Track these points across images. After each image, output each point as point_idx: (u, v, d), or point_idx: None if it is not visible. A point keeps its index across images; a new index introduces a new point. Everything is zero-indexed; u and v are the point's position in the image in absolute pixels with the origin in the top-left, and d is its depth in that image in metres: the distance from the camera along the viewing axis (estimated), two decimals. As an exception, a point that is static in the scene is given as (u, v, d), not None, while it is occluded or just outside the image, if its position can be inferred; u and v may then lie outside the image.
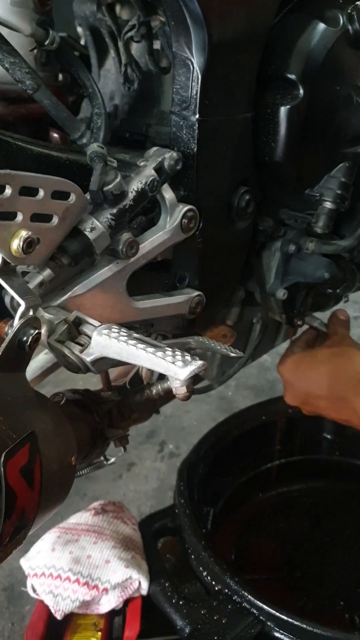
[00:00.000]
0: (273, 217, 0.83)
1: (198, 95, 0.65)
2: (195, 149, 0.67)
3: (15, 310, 0.54)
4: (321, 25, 0.70)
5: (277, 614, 0.91)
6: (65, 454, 0.57)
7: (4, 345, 0.53)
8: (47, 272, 0.59)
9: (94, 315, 0.61)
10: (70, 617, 1.00)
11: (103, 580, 0.99)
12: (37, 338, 0.54)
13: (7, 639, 1.21)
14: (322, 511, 1.32)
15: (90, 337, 0.58)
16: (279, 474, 1.39)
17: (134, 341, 0.55)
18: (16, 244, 0.53)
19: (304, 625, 0.89)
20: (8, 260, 0.54)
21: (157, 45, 0.76)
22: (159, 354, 0.54)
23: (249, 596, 0.94)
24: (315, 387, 0.91)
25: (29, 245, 0.54)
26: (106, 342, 0.56)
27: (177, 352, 0.54)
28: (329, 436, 1.42)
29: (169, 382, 0.59)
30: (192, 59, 0.64)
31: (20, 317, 0.54)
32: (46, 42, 0.66)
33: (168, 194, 0.68)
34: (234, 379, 1.15)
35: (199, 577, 1.02)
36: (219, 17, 0.62)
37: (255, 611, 0.93)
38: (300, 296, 0.93)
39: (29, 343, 0.53)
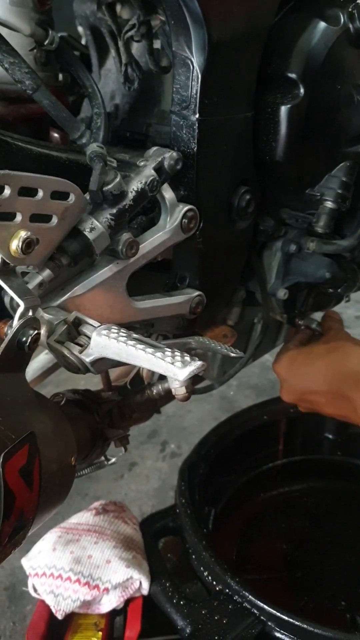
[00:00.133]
0: (274, 216, 0.83)
1: (198, 94, 0.65)
2: (195, 148, 0.67)
3: (15, 311, 0.54)
4: (322, 24, 0.70)
5: (278, 614, 0.91)
6: (65, 454, 0.57)
7: (3, 345, 0.53)
8: (47, 272, 0.59)
9: (94, 315, 0.61)
10: (71, 616, 1.00)
11: (104, 580, 0.99)
12: (36, 338, 0.54)
13: (9, 638, 1.21)
14: (324, 511, 1.32)
15: (89, 338, 0.58)
16: (280, 474, 1.39)
17: (134, 342, 0.55)
18: (15, 245, 0.53)
19: (305, 626, 0.89)
20: (7, 261, 0.54)
21: (157, 44, 0.76)
22: (159, 354, 0.54)
23: (250, 596, 0.94)
24: (311, 383, 0.90)
25: (28, 245, 0.54)
26: (105, 343, 0.56)
27: (176, 353, 0.54)
28: (330, 436, 1.41)
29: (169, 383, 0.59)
30: (192, 59, 0.64)
31: (20, 318, 0.54)
32: (46, 42, 0.66)
33: (168, 193, 0.67)
34: (235, 378, 1.15)
35: (200, 577, 1.02)
36: (218, 16, 0.62)
37: (256, 611, 0.93)
38: (301, 296, 0.93)
39: (28, 343, 0.53)
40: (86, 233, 0.60)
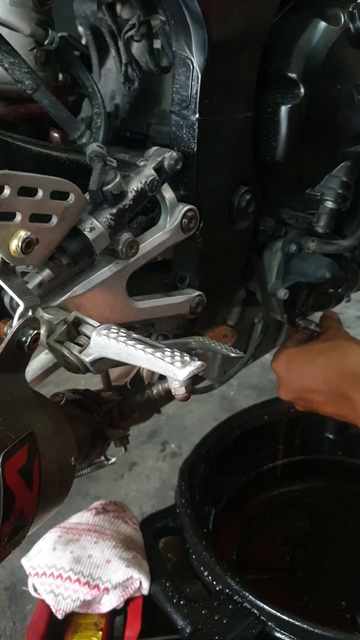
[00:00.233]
0: (274, 216, 0.83)
1: (198, 94, 0.65)
2: (196, 148, 0.67)
3: (15, 311, 0.54)
4: (322, 24, 0.70)
5: (278, 614, 0.91)
6: (65, 454, 0.57)
7: (3, 345, 0.53)
8: (46, 272, 0.59)
9: (94, 315, 0.61)
10: (71, 616, 1.00)
11: (104, 579, 1.00)
12: (36, 338, 0.54)
13: (9, 638, 1.21)
14: (324, 511, 1.32)
15: (89, 338, 0.58)
16: (280, 474, 1.39)
17: (133, 341, 0.55)
18: (15, 244, 0.53)
19: (305, 626, 0.89)
20: (7, 261, 0.54)
21: (157, 44, 0.76)
22: (158, 354, 0.54)
23: (250, 596, 0.94)
24: (309, 381, 0.90)
25: (28, 245, 0.54)
26: (105, 343, 0.56)
27: (176, 353, 0.54)
28: (331, 436, 1.41)
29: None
30: (192, 58, 0.64)
31: (19, 318, 0.54)
32: (46, 42, 0.66)
33: (168, 193, 0.67)
34: (236, 378, 1.15)
35: (200, 577, 1.02)
36: (219, 16, 0.62)
37: (256, 611, 0.93)
38: (301, 296, 0.92)
39: (28, 343, 0.53)
40: (86, 233, 0.60)
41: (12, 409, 0.52)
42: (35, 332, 0.54)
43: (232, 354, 0.73)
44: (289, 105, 0.70)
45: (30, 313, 0.54)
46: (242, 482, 1.34)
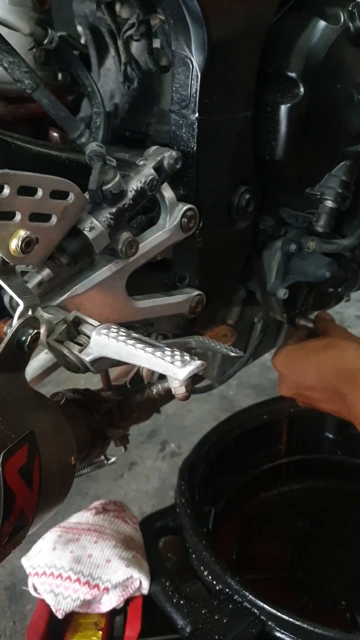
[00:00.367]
0: (274, 216, 0.83)
1: (197, 93, 0.65)
2: (195, 147, 0.67)
3: (14, 310, 0.54)
4: (322, 23, 0.70)
5: (278, 613, 0.91)
6: (65, 453, 0.57)
7: (2, 345, 0.53)
8: (46, 271, 0.59)
9: (94, 315, 0.61)
10: (71, 616, 1.00)
11: (104, 579, 0.99)
12: (36, 338, 0.54)
13: (9, 637, 1.21)
14: (324, 511, 1.32)
15: (89, 337, 0.58)
16: (280, 474, 1.39)
17: (133, 341, 0.55)
18: (15, 244, 0.53)
19: (305, 625, 0.89)
20: (7, 260, 0.54)
21: (156, 43, 0.76)
22: (158, 353, 0.54)
23: (250, 596, 0.94)
24: (307, 377, 0.90)
25: (28, 244, 0.54)
26: (105, 342, 0.56)
27: (176, 352, 0.54)
28: (330, 435, 1.41)
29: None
30: (192, 58, 0.64)
31: (19, 317, 0.54)
32: (45, 41, 0.66)
33: (168, 193, 0.67)
34: (235, 378, 1.15)
35: (200, 576, 1.02)
36: (218, 15, 0.62)
37: (256, 611, 0.93)
38: (301, 295, 0.92)
39: (27, 343, 0.53)
40: (86, 232, 0.60)
41: (12, 409, 0.52)
42: (35, 331, 0.54)
43: (232, 354, 0.73)
44: (288, 105, 0.70)
45: (30, 312, 0.54)
46: (242, 481, 1.34)
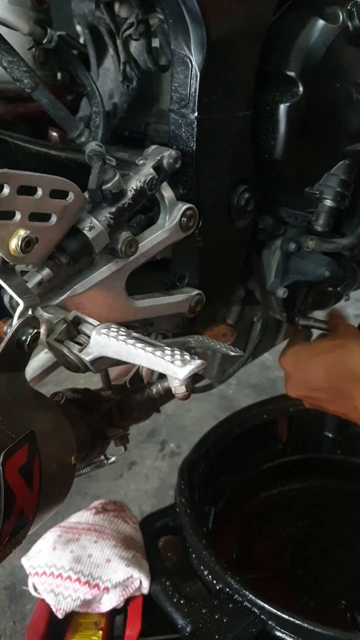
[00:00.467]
0: (273, 215, 0.83)
1: (197, 93, 0.65)
2: (194, 147, 0.67)
3: (14, 310, 0.54)
4: (320, 22, 0.70)
5: (279, 613, 0.91)
6: (65, 453, 0.57)
7: (2, 344, 0.53)
8: (46, 271, 0.59)
9: (93, 314, 0.61)
10: (71, 616, 1.00)
11: (104, 579, 0.99)
12: (36, 337, 0.54)
13: (9, 637, 1.21)
14: (324, 510, 1.32)
15: (89, 337, 0.58)
16: (280, 473, 1.39)
17: (133, 340, 0.55)
18: (14, 243, 0.53)
19: (305, 625, 0.89)
20: (7, 260, 0.54)
21: (155, 43, 0.76)
22: (158, 353, 0.54)
23: (250, 595, 0.94)
24: (314, 378, 0.89)
25: (28, 244, 0.54)
26: (105, 342, 0.56)
27: (176, 352, 0.54)
28: (330, 435, 1.41)
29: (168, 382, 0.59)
30: (191, 57, 0.64)
31: (19, 317, 0.54)
32: (44, 41, 0.66)
33: (167, 192, 0.67)
34: (235, 377, 1.15)
35: (200, 576, 1.02)
36: (217, 14, 0.62)
37: (256, 610, 0.93)
38: (300, 295, 0.92)
39: (27, 342, 0.53)
40: (85, 232, 0.60)
41: (12, 408, 0.52)
42: (35, 331, 0.54)
43: (232, 353, 0.73)
44: (287, 104, 0.70)
45: (30, 312, 0.54)
46: (241, 481, 1.34)
